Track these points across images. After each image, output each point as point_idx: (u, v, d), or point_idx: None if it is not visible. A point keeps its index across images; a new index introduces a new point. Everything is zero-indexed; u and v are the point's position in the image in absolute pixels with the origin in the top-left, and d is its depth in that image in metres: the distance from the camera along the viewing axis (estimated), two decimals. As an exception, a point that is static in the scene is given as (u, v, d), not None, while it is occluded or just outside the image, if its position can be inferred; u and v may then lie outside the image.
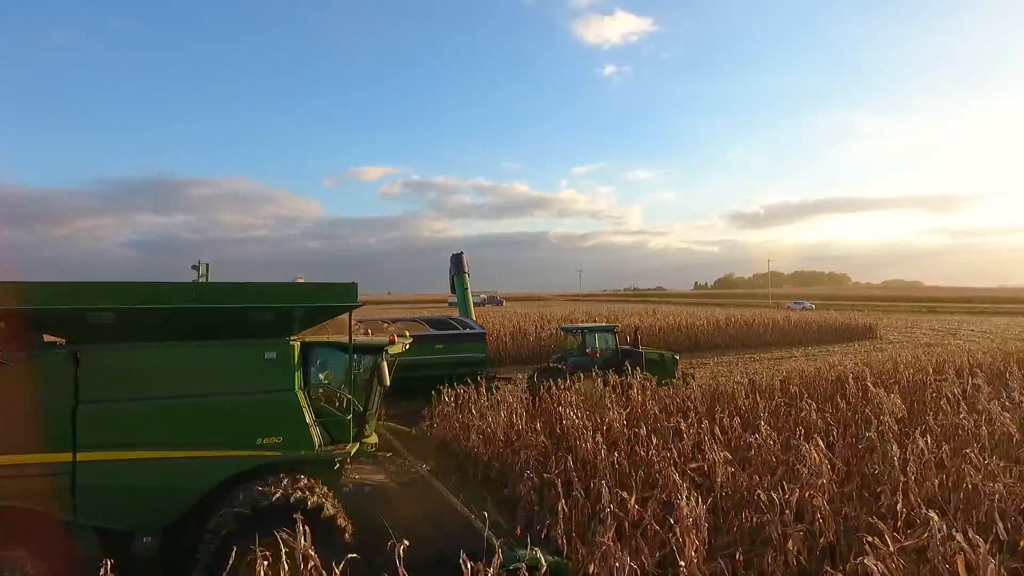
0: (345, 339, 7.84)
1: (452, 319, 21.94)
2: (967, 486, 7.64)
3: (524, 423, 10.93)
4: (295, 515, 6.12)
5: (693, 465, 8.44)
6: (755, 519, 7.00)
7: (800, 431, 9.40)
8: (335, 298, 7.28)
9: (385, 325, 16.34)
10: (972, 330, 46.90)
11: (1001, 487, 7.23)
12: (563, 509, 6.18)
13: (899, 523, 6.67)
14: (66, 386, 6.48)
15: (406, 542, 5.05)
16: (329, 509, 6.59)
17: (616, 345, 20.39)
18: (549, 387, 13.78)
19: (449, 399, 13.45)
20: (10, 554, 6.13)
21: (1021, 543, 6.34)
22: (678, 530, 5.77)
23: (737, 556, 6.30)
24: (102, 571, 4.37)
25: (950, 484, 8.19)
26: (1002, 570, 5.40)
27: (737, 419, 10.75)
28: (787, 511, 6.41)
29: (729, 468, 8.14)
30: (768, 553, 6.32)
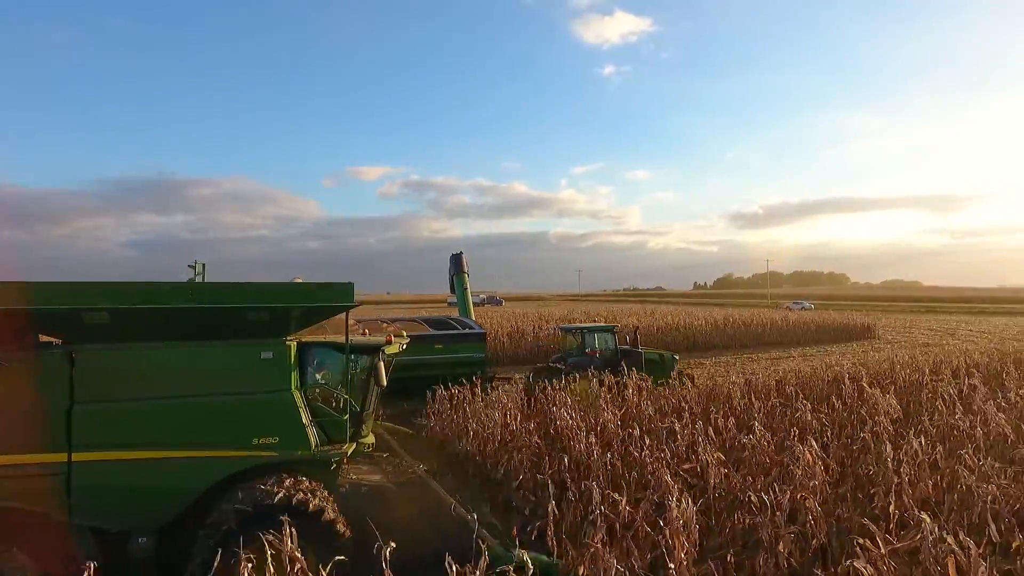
0: (342, 339, 7.81)
1: (452, 319, 21.92)
2: (961, 487, 7.61)
3: (518, 423, 10.88)
4: (290, 516, 6.08)
5: (686, 466, 8.41)
6: (747, 520, 6.97)
7: (794, 432, 9.35)
8: (331, 298, 7.26)
9: (384, 325, 16.32)
10: (971, 330, 46.90)
11: (994, 488, 7.21)
12: (553, 511, 6.13)
13: (891, 525, 6.63)
14: (62, 386, 6.45)
15: (393, 544, 5.03)
16: (330, 513, 6.58)
17: (615, 345, 20.38)
18: (544, 387, 13.74)
19: (445, 399, 13.41)
20: (6, 554, 6.11)
21: (1014, 545, 6.30)
22: (667, 532, 5.73)
23: (728, 558, 6.26)
24: (86, 574, 4.33)
25: (944, 485, 8.16)
26: (994, 572, 5.37)
27: (732, 420, 10.73)
28: (778, 513, 6.37)
29: (722, 469, 8.10)
30: (760, 555, 6.28)
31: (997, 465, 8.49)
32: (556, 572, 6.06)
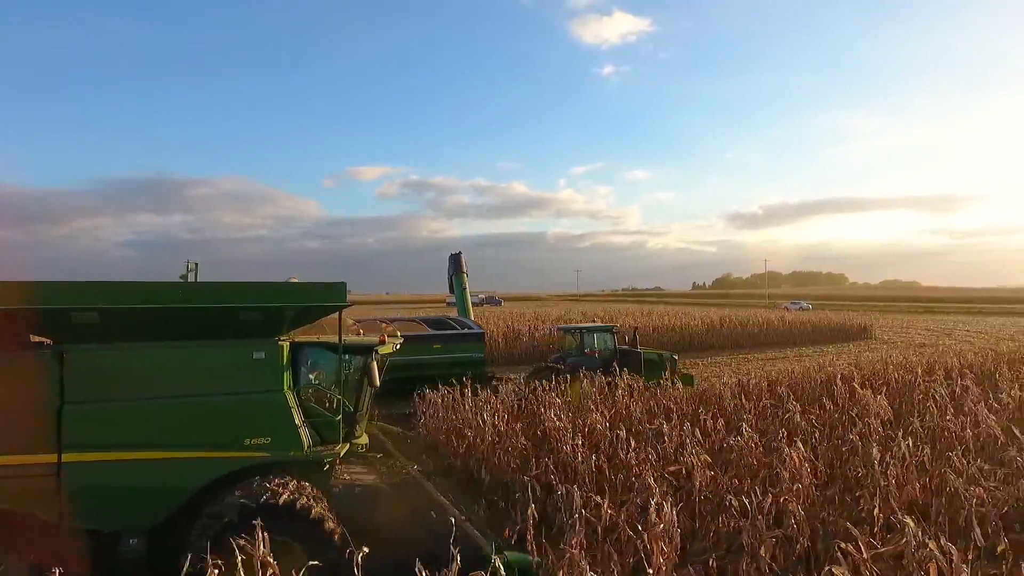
0: (335, 339, 7.75)
1: (451, 319, 21.85)
2: (949, 490, 7.54)
3: (506, 425, 10.79)
4: (291, 518, 6.19)
5: (671, 468, 8.32)
6: (732, 524, 6.89)
7: (783, 433, 9.28)
8: (324, 298, 7.21)
9: (383, 325, 16.24)
10: (968, 330, 46.84)
11: (981, 491, 7.13)
12: (533, 514, 6.05)
13: (876, 528, 6.55)
14: (52, 386, 6.38)
15: (366, 549, 4.97)
16: (329, 523, 6.52)
17: (615, 345, 20.33)
18: (535, 388, 13.66)
19: (436, 400, 13.31)
20: None
21: (999, 548, 6.23)
22: (646, 537, 5.64)
23: (711, 562, 6.18)
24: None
25: (933, 488, 8.09)
26: (977, 577, 5.30)
27: (722, 421, 10.65)
28: (760, 516, 6.28)
29: (709, 471, 8.02)
30: (743, 559, 6.19)
31: (987, 467, 8.43)
32: (531, 570, 6.00)
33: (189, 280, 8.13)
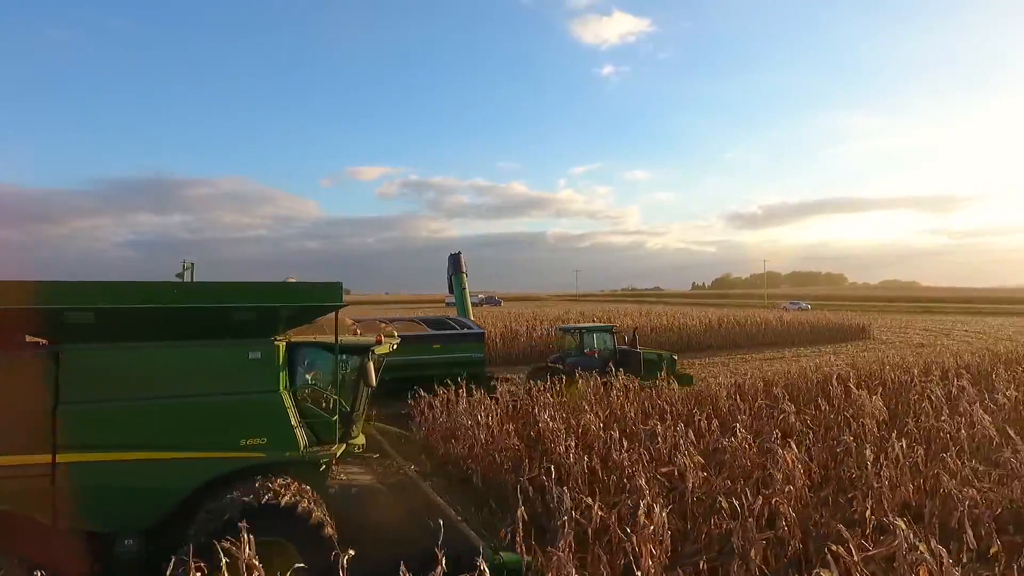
0: (331, 339, 7.72)
1: (450, 319, 21.79)
2: (942, 491, 7.51)
3: (499, 426, 10.75)
4: (291, 520, 6.21)
5: (664, 469, 8.28)
6: (724, 526, 6.85)
7: (777, 434, 9.24)
8: (320, 298, 7.19)
9: (383, 325, 16.20)
10: (966, 330, 46.82)
11: (974, 492, 7.10)
12: (523, 516, 6.01)
13: (868, 530, 6.51)
14: (46, 386, 6.35)
15: (351, 552, 4.96)
16: (328, 528, 6.50)
17: (614, 345, 20.30)
18: (530, 389, 13.61)
19: (432, 401, 13.26)
20: None
21: (992, 550, 6.19)
22: (635, 539, 5.60)
23: (701, 565, 6.13)
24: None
25: (927, 489, 8.06)
26: (969, 579, 5.26)
27: (716, 422, 10.60)
28: (750, 518, 6.24)
29: (701, 473, 7.98)
30: (734, 561, 6.15)
31: (981, 468, 8.39)
32: (520, 569, 5.97)
33: (185, 280, 8.11)
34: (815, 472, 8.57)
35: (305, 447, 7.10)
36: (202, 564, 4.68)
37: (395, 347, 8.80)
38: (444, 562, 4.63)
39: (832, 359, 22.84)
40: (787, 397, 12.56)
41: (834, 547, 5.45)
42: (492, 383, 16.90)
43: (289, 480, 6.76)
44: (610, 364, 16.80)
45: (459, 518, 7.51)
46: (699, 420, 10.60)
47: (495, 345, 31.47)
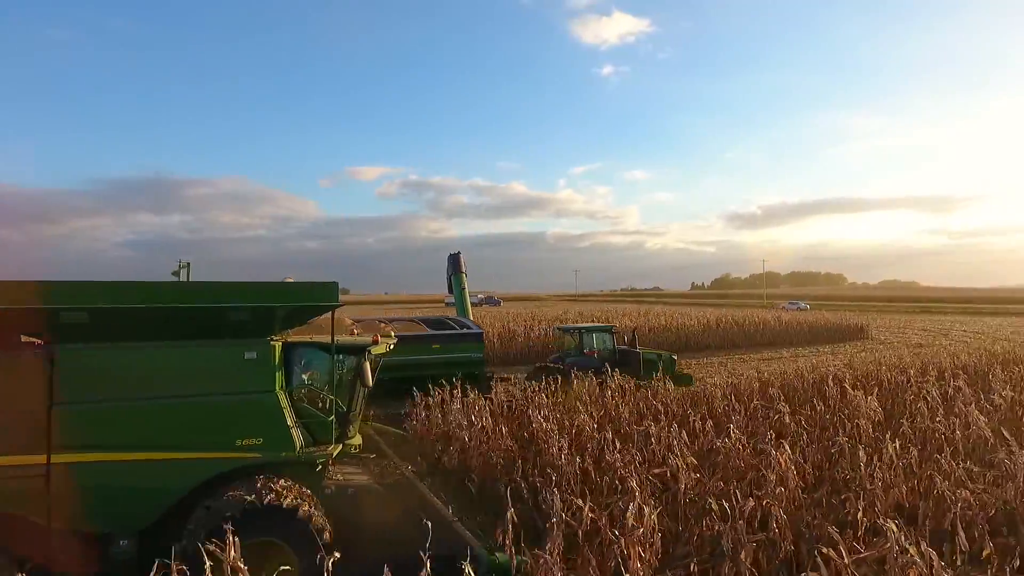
0: (327, 339, 7.70)
1: (450, 319, 21.77)
2: (936, 493, 7.47)
3: (492, 427, 10.70)
4: (292, 522, 6.23)
5: (656, 470, 8.24)
6: (716, 528, 6.81)
7: (771, 435, 9.19)
8: (315, 297, 7.19)
9: (382, 325, 16.18)
10: (964, 330, 46.80)
11: (968, 494, 7.06)
12: (512, 517, 5.97)
13: (860, 532, 6.47)
14: (41, 387, 6.33)
15: (337, 554, 4.92)
16: (327, 536, 6.47)
17: (614, 345, 20.26)
18: (525, 389, 13.56)
19: (427, 402, 13.21)
20: None
21: (984, 553, 6.15)
22: (623, 541, 5.56)
23: (692, 567, 6.09)
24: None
25: (921, 491, 8.02)
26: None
27: (711, 422, 10.56)
28: (740, 520, 6.20)
29: (693, 474, 7.94)
30: (725, 564, 6.11)
31: (976, 469, 8.35)
32: (509, 569, 5.94)
33: (180, 279, 8.09)
34: (809, 473, 8.53)
35: (301, 447, 7.09)
36: (203, 557, 4.66)
37: (391, 347, 8.77)
38: (429, 566, 4.57)
39: (829, 359, 22.83)
40: (783, 398, 12.53)
41: (825, 550, 5.42)
42: (488, 383, 16.85)
43: (291, 483, 6.74)
44: (606, 364, 16.77)
45: (454, 519, 7.49)
46: (694, 421, 10.57)
47: (492, 345, 31.38)
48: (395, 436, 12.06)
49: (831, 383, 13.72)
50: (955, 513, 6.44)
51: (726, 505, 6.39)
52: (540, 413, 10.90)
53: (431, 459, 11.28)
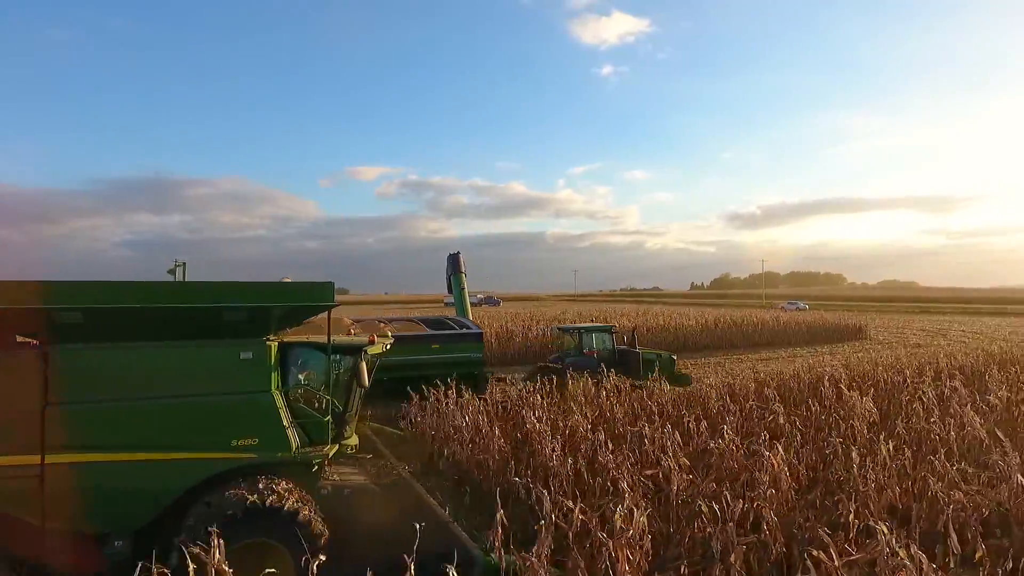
0: (323, 339, 7.66)
1: (449, 319, 21.73)
2: (930, 494, 7.43)
3: (488, 427, 10.66)
4: (292, 523, 6.22)
5: (649, 472, 8.19)
6: (707, 529, 6.77)
7: (765, 436, 9.16)
8: (311, 297, 7.15)
9: (382, 325, 16.17)
10: (963, 331, 46.78)
11: (961, 495, 7.02)
12: (502, 519, 5.92)
13: (852, 534, 6.43)
14: (35, 387, 6.30)
15: (322, 557, 4.88)
16: (323, 542, 6.44)
17: (613, 345, 20.22)
18: (521, 389, 13.52)
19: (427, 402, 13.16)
20: None
21: (977, 555, 6.11)
22: (611, 543, 5.52)
23: (682, 569, 6.05)
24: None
25: (914, 492, 7.98)
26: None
27: (705, 423, 10.52)
28: (731, 522, 6.16)
29: (686, 475, 7.90)
30: (715, 566, 6.07)
31: (970, 471, 8.31)
32: (496, 569, 5.92)
33: (176, 279, 8.05)
34: (802, 475, 8.49)
35: (297, 448, 7.07)
36: (199, 552, 4.63)
37: (388, 347, 8.74)
38: (412, 568, 4.54)
39: (827, 359, 22.79)
40: (778, 398, 12.49)
41: (815, 552, 5.38)
42: (485, 383, 16.81)
43: (293, 486, 6.73)
44: (602, 365, 16.72)
45: (450, 519, 7.45)
46: (688, 422, 10.53)
47: (491, 345, 31.32)
48: (392, 436, 12.04)
49: (827, 383, 13.68)
50: (948, 515, 6.39)
51: (716, 507, 6.34)
52: (534, 414, 10.85)
53: (428, 459, 11.26)
